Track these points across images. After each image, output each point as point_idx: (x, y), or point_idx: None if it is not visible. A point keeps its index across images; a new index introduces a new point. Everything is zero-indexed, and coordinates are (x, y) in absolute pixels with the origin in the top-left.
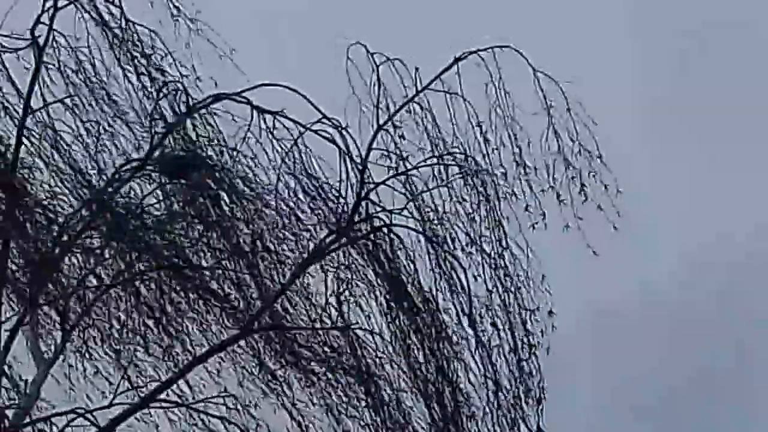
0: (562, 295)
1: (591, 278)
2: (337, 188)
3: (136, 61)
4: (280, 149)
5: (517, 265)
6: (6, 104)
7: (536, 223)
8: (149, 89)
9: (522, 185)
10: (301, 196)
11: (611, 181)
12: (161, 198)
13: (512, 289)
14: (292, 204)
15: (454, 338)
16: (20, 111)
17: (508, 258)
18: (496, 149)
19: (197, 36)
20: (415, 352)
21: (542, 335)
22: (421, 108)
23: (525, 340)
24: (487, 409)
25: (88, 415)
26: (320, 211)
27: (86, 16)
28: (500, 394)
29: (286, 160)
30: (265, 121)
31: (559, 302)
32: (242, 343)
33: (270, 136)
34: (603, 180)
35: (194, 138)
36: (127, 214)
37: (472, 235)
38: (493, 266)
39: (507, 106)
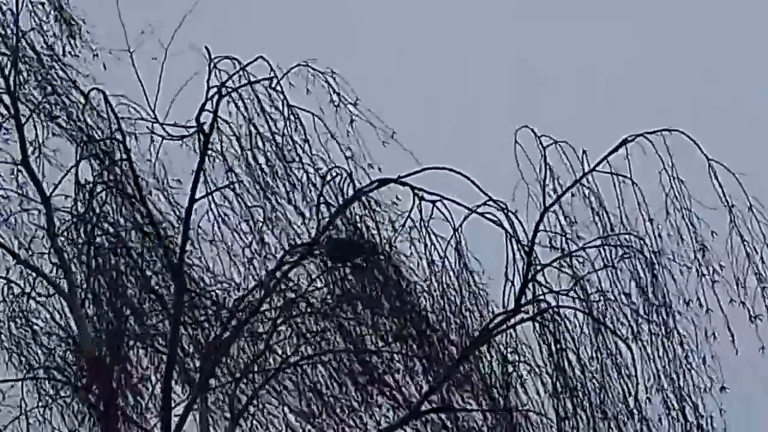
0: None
1: None
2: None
3: (298, 147)
4: (439, 236)
5: (687, 347)
6: (168, 192)
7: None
8: (313, 175)
9: (703, 284)
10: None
11: None
12: (329, 282)
13: (682, 370)
14: (456, 288)
15: (621, 419)
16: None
17: (677, 340)
18: (671, 235)
19: (359, 120)
20: None
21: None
22: (589, 190)
23: (696, 421)
24: None
25: None
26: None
27: (248, 103)
28: None
29: (451, 243)
30: (422, 207)
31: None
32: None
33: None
34: None
35: (359, 223)
36: (295, 298)
37: (639, 317)
38: (661, 348)
39: (683, 197)
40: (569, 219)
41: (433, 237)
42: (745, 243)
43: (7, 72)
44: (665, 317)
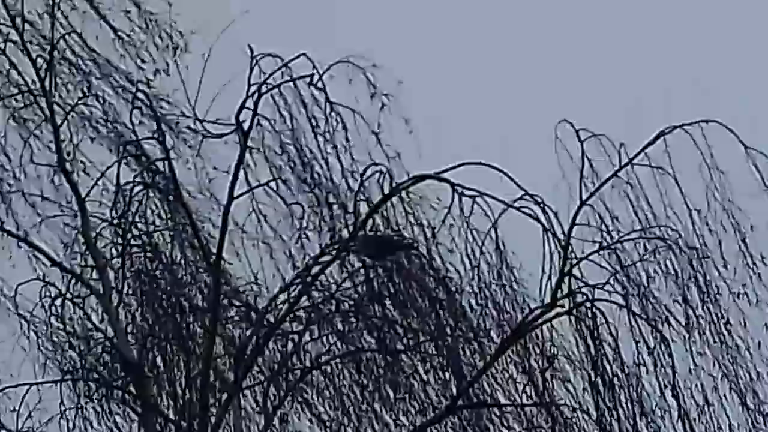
0: None
1: None
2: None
3: (339, 143)
4: (478, 231)
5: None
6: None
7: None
8: (353, 170)
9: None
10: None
11: None
12: (362, 281)
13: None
14: (494, 283)
15: (658, 412)
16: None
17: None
18: (714, 232)
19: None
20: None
21: None
22: (628, 183)
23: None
24: None
25: None
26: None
27: (290, 99)
28: None
29: (486, 241)
30: (462, 203)
31: None
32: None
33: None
34: None
35: (396, 219)
36: (326, 298)
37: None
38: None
39: (724, 189)
40: (608, 212)
41: (472, 233)
42: None
43: (42, 74)
44: (710, 307)
